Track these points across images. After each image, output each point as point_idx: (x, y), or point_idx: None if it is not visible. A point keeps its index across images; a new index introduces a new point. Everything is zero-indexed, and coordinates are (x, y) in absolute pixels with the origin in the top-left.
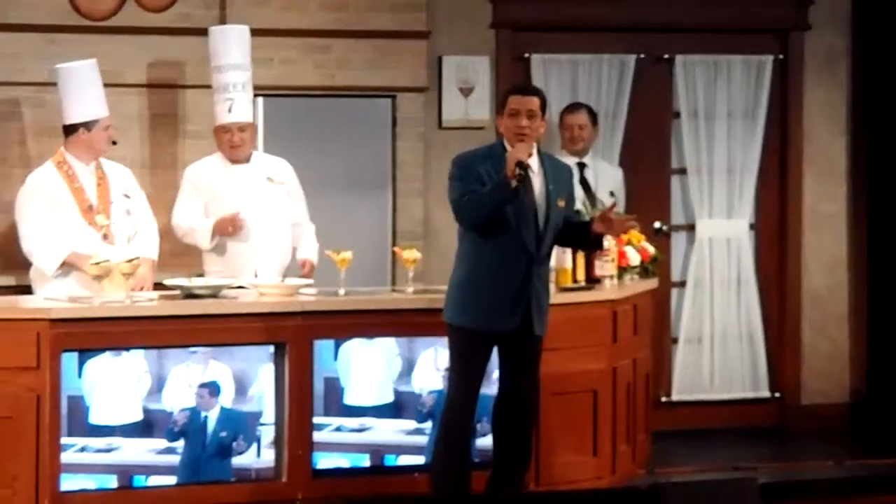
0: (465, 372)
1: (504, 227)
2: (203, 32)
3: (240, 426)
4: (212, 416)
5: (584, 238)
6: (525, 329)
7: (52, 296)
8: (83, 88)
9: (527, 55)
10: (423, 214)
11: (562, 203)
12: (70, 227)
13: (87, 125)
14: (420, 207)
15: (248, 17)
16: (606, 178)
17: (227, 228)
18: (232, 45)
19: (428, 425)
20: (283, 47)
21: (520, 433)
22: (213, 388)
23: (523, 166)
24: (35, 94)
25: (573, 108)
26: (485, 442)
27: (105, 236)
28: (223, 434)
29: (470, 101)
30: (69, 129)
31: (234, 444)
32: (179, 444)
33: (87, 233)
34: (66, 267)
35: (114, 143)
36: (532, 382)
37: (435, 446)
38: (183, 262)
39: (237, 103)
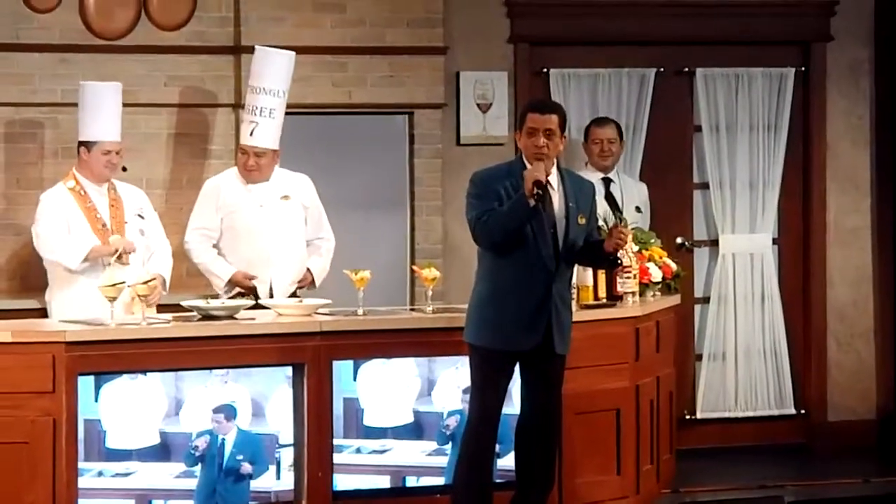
0: (486, 392)
1: (522, 245)
2: (217, 51)
3: (257, 449)
4: (229, 440)
5: (599, 256)
6: (546, 348)
7: (70, 317)
8: (95, 108)
9: (545, 70)
10: (441, 232)
11: (582, 220)
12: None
13: (87, 146)
14: (438, 225)
15: (264, 34)
16: (632, 194)
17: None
18: (269, 69)
19: (448, 446)
20: (298, 65)
21: (542, 453)
22: (228, 412)
23: (541, 185)
24: (49, 115)
25: (601, 122)
26: (506, 462)
27: (119, 257)
28: (240, 457)
29: (488, 117)
30: (78, 147)
31: (251, 467)
32: (197, 468)
33: (84, 241)
34: (90, 262)
35: (123, 169)
36: (555, 402)
37: (456, 467)
38: (198, 282)
39: (259, 128)
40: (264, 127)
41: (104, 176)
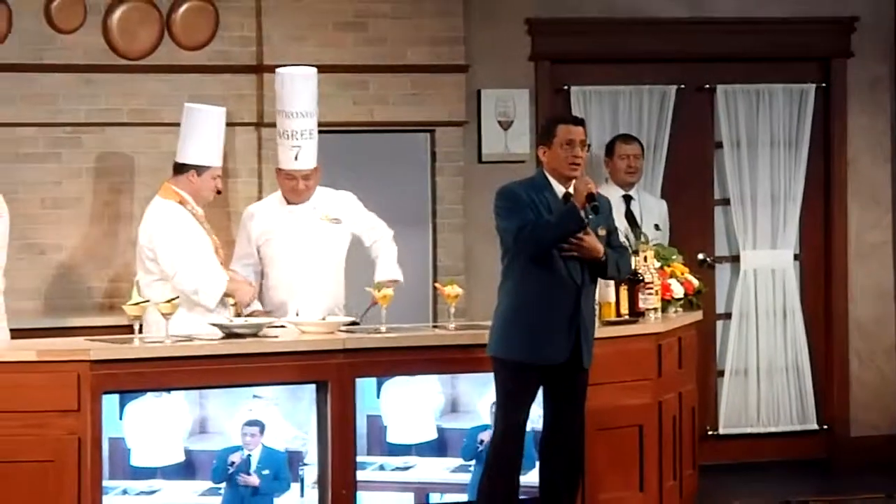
0: (512, 407)
1: (550, 259)
2: (239, 70)
3: (280, 466)
4: (254, 456)
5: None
6: (574, 362)
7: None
8: (205, 132)
9: (566, 87)
10: (463, 249)
11: (602, 232)
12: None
13: (198, 169)
14: (461, 242)
15: (286, 53)
16: (652, 212)
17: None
18: (300, 91)
19: (472, 462)
20: (320, 83)
21: (567, 469)
22: (261, 427)
23: (594, 197)
24: (72, 136)
25: (628, 139)
26: (529, 478)
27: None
28: (266, 472)
29: (509, 135)
30: (180, 168)
31: (275, 483)
32: (222, 485)
33: (221, 273)
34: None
35: (218, 192)
36: (579, 417)
37: (481, 482)
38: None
39: (304, 151)
40: (307, 149)
41: (208, 199)
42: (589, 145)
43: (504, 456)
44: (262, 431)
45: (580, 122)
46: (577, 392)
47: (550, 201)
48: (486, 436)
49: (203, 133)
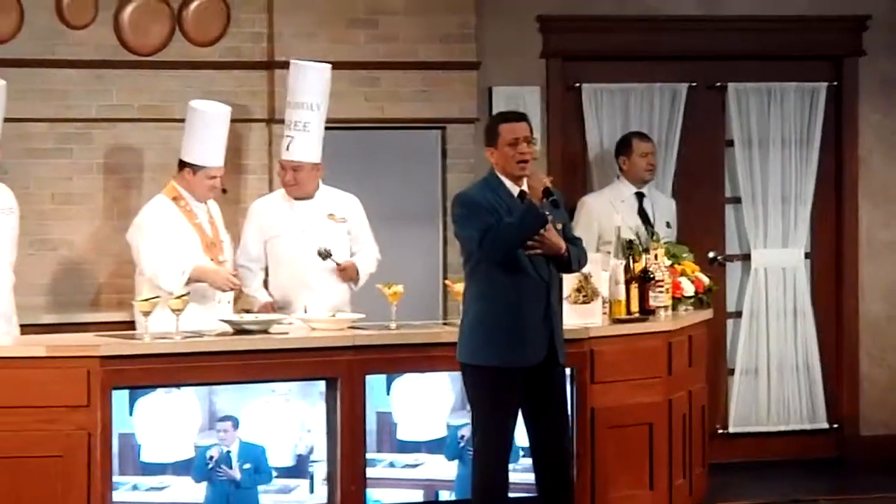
0: (497, 413)
1: (516, 259)
2: (251, 66)
3: (260, 459)
4: (234, 451)
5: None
6: (550, 360)
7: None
8: (204, 132)
9: (577, 85)
10: None
11: (559, 226)
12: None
13: (193, 168)
14: None
15: (297, 50)
16: (663, 209)
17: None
18: (302, 83)
19: (455, 463)
20: (332, 80)
21: (558, 467)
22: (233, 422)
23: (550, 192)
24: (83, 131)
25: (643, 136)
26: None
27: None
28: (247, 466)
29: None
30: (181, 165)
31: (257, 476)
32: (203, 485)
33: (187, 260)
34: (191, 284)
35: (224, 191)
36: (563, 414)
37: (473, 494)
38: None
39: (295, 142)
40: (299, 140)
41: (206, 198)
42: (535, 139)
43: (493, 467)
44: (235, 426)
45: (522, 117)
46: (558, 389)
47: (507, 201)
48: (465, 431)
49: (201, 132)
